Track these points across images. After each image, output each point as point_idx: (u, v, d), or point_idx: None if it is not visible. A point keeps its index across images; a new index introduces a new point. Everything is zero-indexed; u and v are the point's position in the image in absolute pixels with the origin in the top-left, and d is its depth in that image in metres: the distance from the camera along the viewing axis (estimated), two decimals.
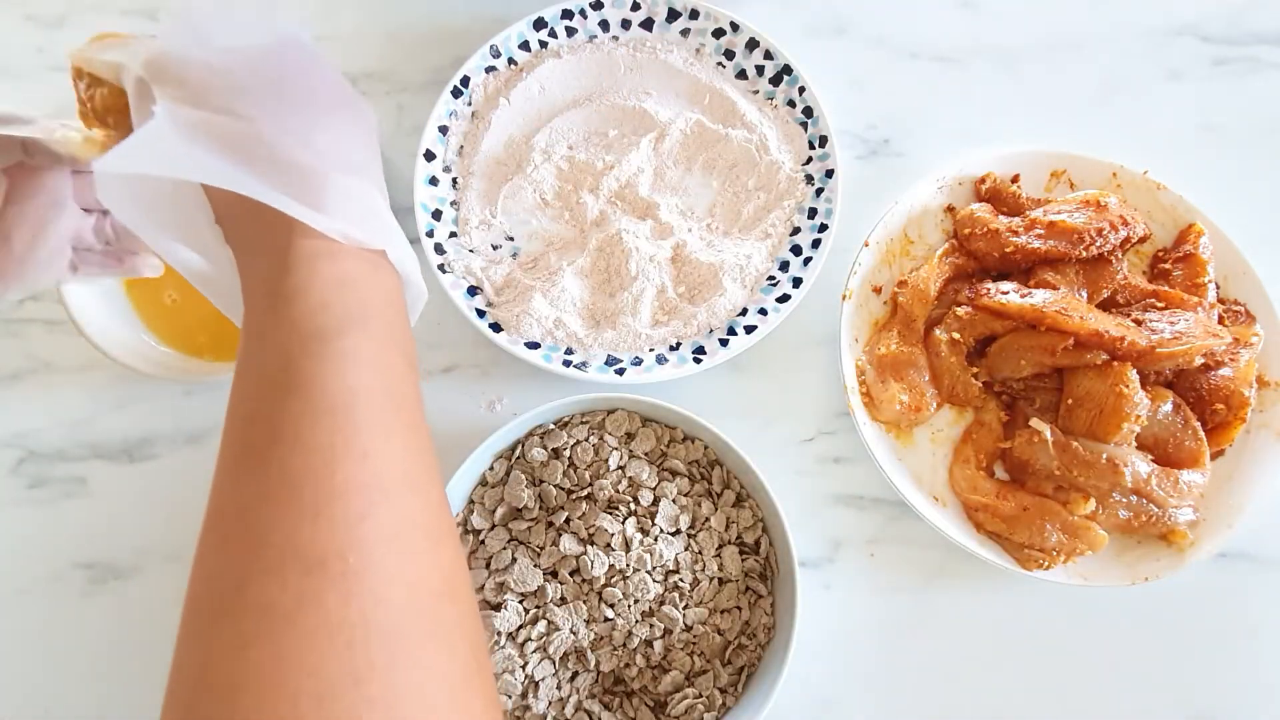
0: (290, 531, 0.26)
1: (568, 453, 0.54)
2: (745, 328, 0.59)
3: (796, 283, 0.59)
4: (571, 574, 0.52)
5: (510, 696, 0.51)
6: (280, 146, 0.32)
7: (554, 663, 0.52)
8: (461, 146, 0.64)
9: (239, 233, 0.33)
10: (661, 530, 0.53)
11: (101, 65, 0.35)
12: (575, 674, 0.52)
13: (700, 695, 0.51)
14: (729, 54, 0.65)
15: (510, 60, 0.65)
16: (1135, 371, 0.54)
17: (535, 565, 0.53)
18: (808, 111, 0.63)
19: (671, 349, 0.59)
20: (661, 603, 0.52)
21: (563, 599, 0.52)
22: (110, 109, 0.35)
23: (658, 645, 0.52)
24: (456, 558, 0.30)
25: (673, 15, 0.65)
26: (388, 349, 0.30)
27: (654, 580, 0.52)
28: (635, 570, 0.52)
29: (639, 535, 0.53)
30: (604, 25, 0.65)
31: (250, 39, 0.33)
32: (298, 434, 0.27)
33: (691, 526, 0.54)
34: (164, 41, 0.33)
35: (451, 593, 0.28)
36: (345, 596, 0.25)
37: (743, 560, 0.54)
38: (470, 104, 0.64)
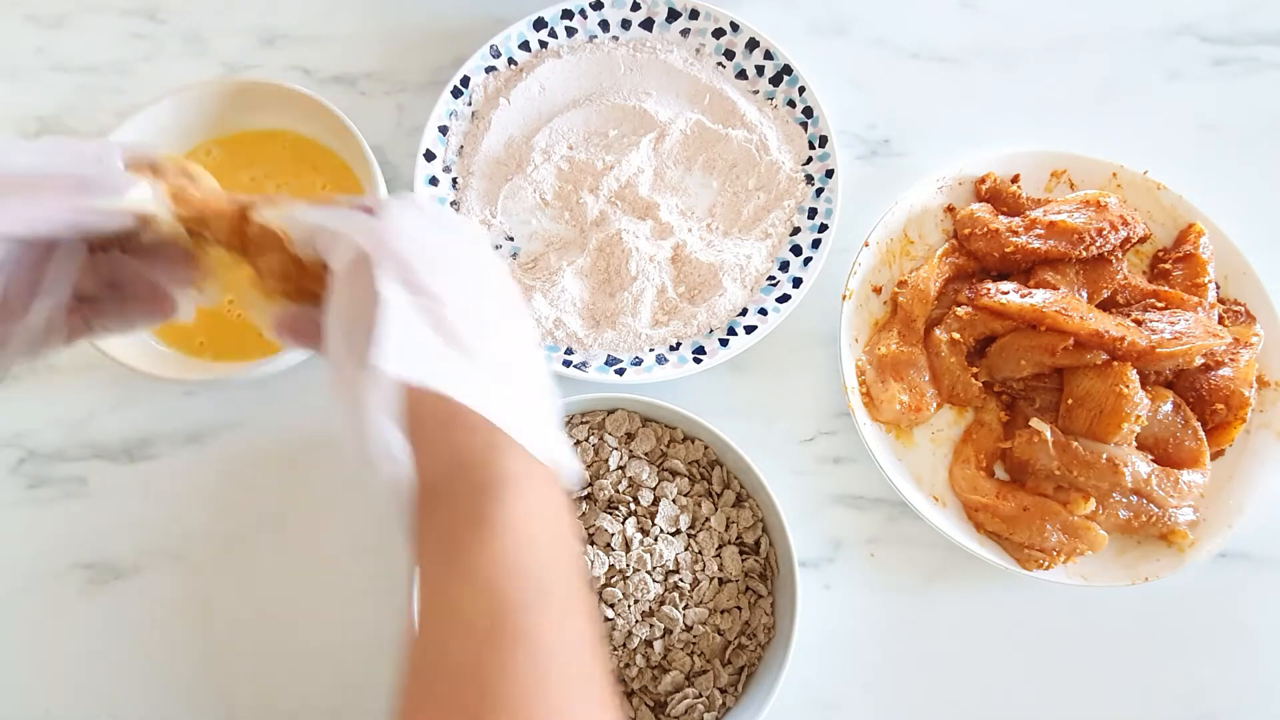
0: None
1: None
2: (745, 328, 0.59)
3: (796, 283, 0.59)
4: None
5: None
6: (472, 334, 0.30)
7: None
8: (461, 146, 0.64)
9: (424, 430, 0.30)
10: (661, 530, 0.53)
11: (300, 229, 0.32)
12: None
13: (700, 695, 0.51)
14: (729, 54, 0.65)
15: (510, 60, 0.65)
16: (1135, 371, 0.54)
17: None
18: (808, 111, 0.63)
19: (671, 349, 0.59)
20: (661, 603, 0.52)
21: None
22: (274, 273, 0.33)
23: (658, 645, 0.52)
24: None
25: (673, 15, 0.65)
26: (569, 618, 0.30)
27: (654, 580, 0.52)
28: (635, 570, 0.52)
29: (639, 535, 0.53)
30: (604, 25, 0.65)
31: (453, 228, 0.35)
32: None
33: (691, 526, 0.54)
34: (390, 216, 0.32)
35: None
36: None
37: (743, 560, 0.54)
38: (470, 104, 0.64)
